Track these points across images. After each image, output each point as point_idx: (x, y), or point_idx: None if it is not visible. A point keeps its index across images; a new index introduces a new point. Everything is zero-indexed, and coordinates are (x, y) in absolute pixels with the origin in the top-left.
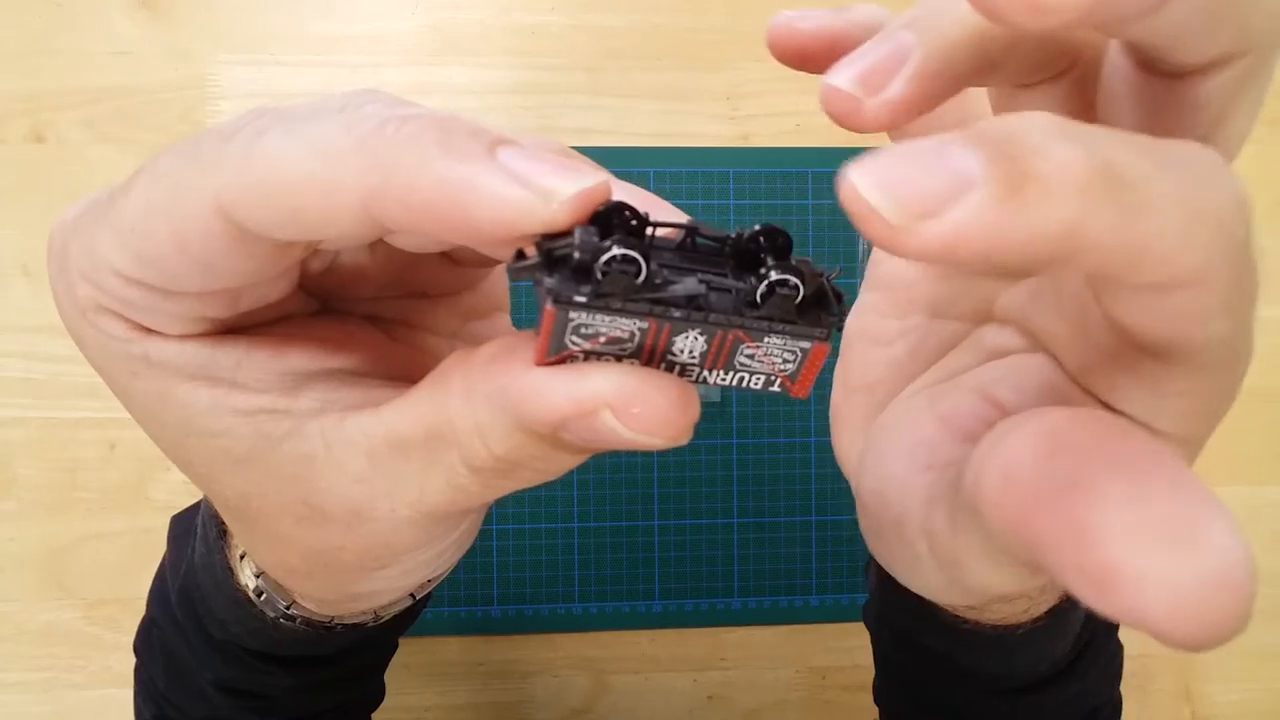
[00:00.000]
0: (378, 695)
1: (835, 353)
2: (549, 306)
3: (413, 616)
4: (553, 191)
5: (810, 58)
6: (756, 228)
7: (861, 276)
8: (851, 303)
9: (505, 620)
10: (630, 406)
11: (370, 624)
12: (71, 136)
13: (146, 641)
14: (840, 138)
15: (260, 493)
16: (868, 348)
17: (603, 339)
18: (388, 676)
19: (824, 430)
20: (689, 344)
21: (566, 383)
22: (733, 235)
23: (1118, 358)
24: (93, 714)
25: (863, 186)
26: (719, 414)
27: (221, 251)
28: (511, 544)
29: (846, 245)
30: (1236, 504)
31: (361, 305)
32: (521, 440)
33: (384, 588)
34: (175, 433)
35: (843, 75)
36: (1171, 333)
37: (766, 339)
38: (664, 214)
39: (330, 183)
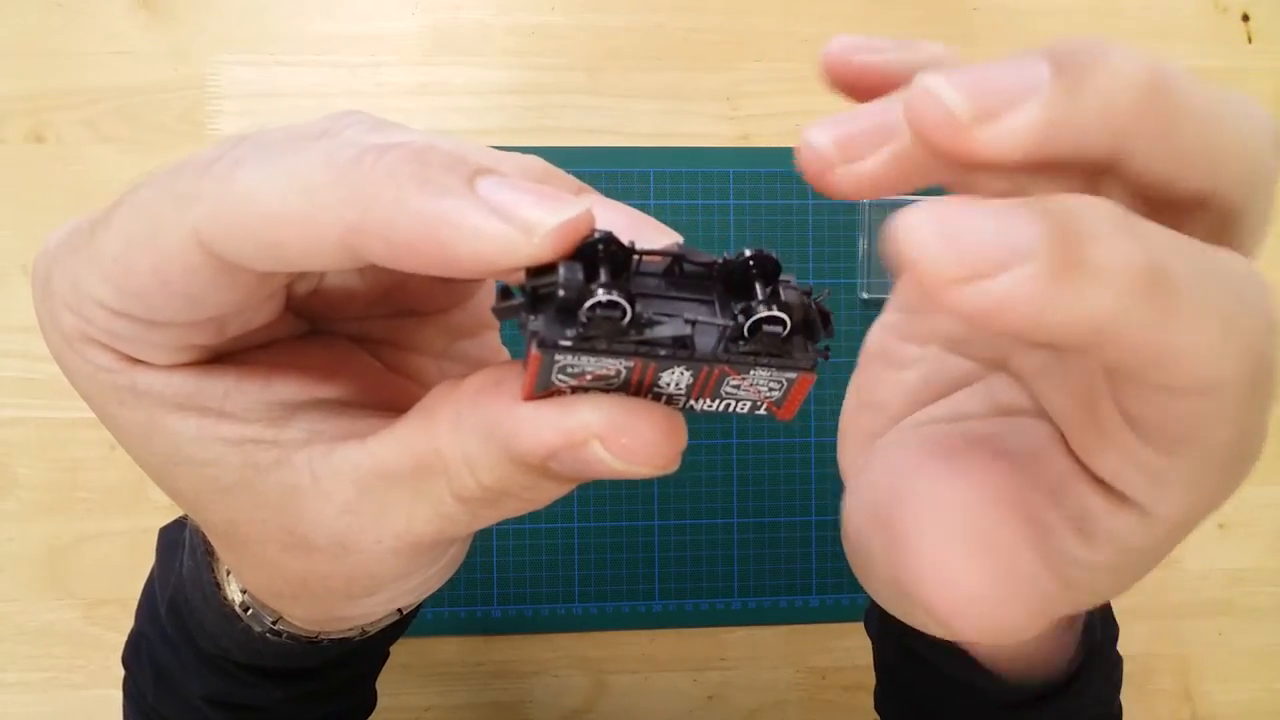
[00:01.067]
0: (370, 703)
1: (828, 376)
2: (534, 351)
3: (401, 629)
4: (534, 225)
5: (867, 93)
6: (746, 253)
7: (860, 278)
8: (839, 319)
9: (505, 620)
10: (619, 437)
11: (357, 638)
12: (71, 136)
13: (135, 654)
14: None
15: (247, 520)
16: (883, 368)
17: (589, 377)
18: (388, 677)
19: (824, 430)
20: (675, 378)
21: (555, 415)
22: (720, 260)
23: (1121, 444)
24: (93, 714)
25: (926, 233)
26: (719, 414)
27: (203, 283)
28: (511, 544)
29: (846, 245)
30: (1237, 504)
31: (349, 325)
32: (510, 471)
33: (370, 611)
34: (163, 461)
35: (825, 134)
36: (1178, 433)
37: (753, 371)
38: (650, 236)
39: (307, 217)
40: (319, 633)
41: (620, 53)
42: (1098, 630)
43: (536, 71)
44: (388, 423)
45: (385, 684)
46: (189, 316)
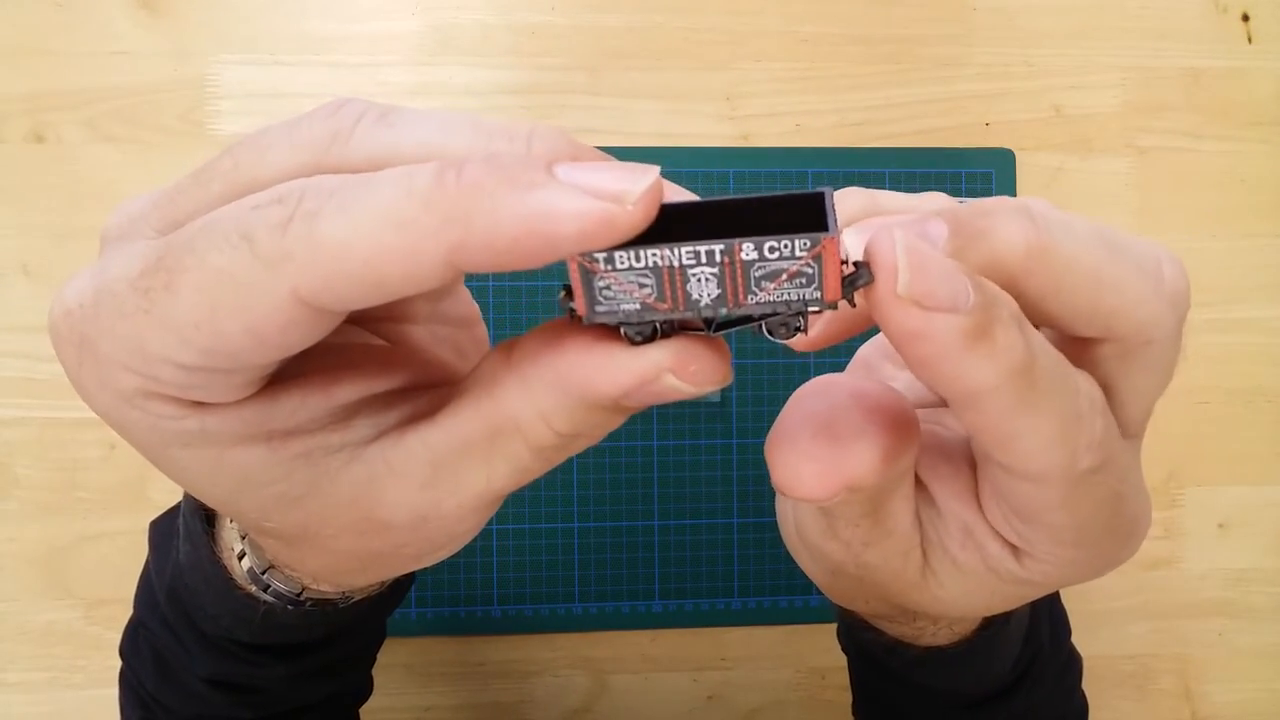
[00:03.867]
0: (367, 689)
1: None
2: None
3: (406, 588)
4: (624, 195)
5: None
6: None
7: None
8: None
9: (505, 620)
10: (688, 365)
11: (376, 592)
12: (71, 136)
13: (133, 644)
14: (840, 138)
15: (319, 520)
16: (864, 377)
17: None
18: (388, 676)
19: None
20: (703, 288)
21: (627, 359)
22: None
23: (998, 507)
24: (93, 714)
25: (900, 254)
26: (719, 414)
27: (300, 333)
28: (511, 544)
29: None
30: (1236, 504)
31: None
32: (584, 415)
33: (434, 561)
34: (230, 489)
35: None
36: (1024, 511)
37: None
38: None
39: (409, 251)
40: (345, 592)
41: (620, 53)
42: (1044, 632)
43: (536, 71)
44: (439, 399)
45: (385, 684)
46: (277, 360)
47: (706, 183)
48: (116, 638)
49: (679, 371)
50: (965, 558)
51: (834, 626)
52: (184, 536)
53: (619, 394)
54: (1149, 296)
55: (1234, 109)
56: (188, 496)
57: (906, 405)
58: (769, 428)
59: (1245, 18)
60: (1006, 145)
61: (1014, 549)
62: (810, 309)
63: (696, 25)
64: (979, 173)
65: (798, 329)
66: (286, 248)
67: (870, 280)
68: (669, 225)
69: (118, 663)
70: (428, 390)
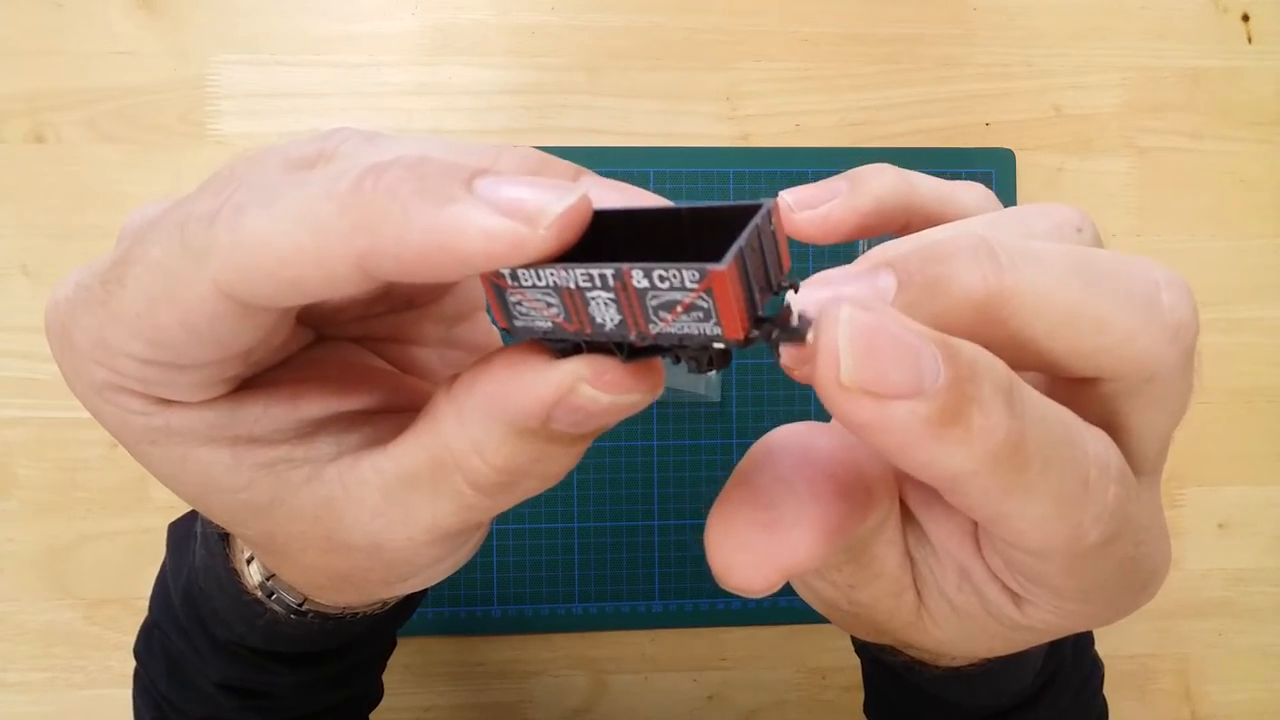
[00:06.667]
0: (377, 694)
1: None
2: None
3: (417, 600)
4: (538, 217)
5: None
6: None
7: None
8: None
9: (505, 620)
10: (602, 375)
11: (378, 611)
12: (71, 136)
13: (148, 644)
14: (840, 138)
15: (284, 532)
16: None
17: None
18: (388, 677)
19: None
20: (605, 312)
21: (545, 371)
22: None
23: (996, 563)
24: (93, 714)
25: (843, 333)
26: (719, 414)
27: (229, 327)
28: (511, 544)
29: (847, 247)
30: (1236, 504)
31: (352, 327)
32: (516, 445)
33: (407, 590)
34: (197, 490)
35: (789, 194)
36: (1019, 570)
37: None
38: (641, 202)
39: (319, 253)
40: (345, 608)
41: (620, 53)
42: (1067, 644)
43: (536, 71)
44: (406, 426)
45: (385, 684)
46: (218, 356)
47: (706, 183)
48: (117, 637)
49: (595, 380)
50: (962, 600)
51: (834, 627)
52: (200, 540)
53: (538, 409)
54: (1139, 331)
55: (1234, 109)
56: None
57: (865, 464)
58: (769, 428)
59: (1245, 18)
60: (1006, 145)
61: (1014, 595)
62: (715, 345)
63: (696, 25)
64: (979, 173)
65: (710, 364)
66: (210, 239)
67: (800, 338)
68: (602, 236)
69: (117, 662)
70: (401, 415)
